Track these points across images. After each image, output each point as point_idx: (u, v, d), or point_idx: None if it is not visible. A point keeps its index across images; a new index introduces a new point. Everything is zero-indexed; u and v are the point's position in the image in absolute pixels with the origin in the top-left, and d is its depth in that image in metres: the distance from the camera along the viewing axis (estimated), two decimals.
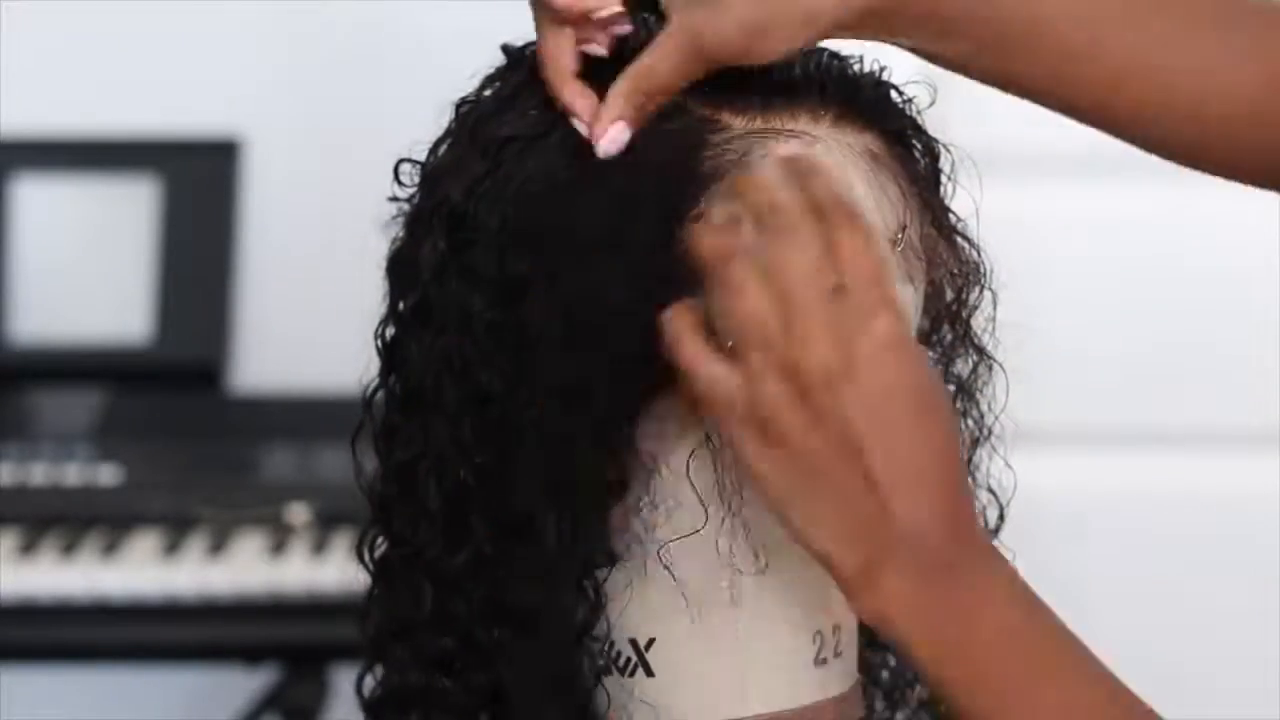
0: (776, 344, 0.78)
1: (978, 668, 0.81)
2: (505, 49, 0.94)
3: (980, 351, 1.00)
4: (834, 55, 0.91)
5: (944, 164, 0.98)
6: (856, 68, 0.92)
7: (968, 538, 0.81)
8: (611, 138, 0.86)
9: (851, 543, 0.80)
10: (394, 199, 0.94)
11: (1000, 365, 1.02)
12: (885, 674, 1.07)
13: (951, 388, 1.00)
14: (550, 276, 0.86)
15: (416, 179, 0.93)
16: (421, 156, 0.93)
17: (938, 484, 0.80)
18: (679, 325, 0.81)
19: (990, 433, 1.01)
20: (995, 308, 0.99)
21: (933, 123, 0.99)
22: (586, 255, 0.86)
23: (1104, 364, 2.12)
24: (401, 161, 0.94)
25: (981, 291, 0.98)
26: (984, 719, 0.80)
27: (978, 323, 0.99)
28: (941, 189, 0.97)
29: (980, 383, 1.00)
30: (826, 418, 0.78)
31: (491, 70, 0.93)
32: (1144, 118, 0.90)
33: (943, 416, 0.82)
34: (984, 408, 1.02)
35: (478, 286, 0.88)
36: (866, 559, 0.80)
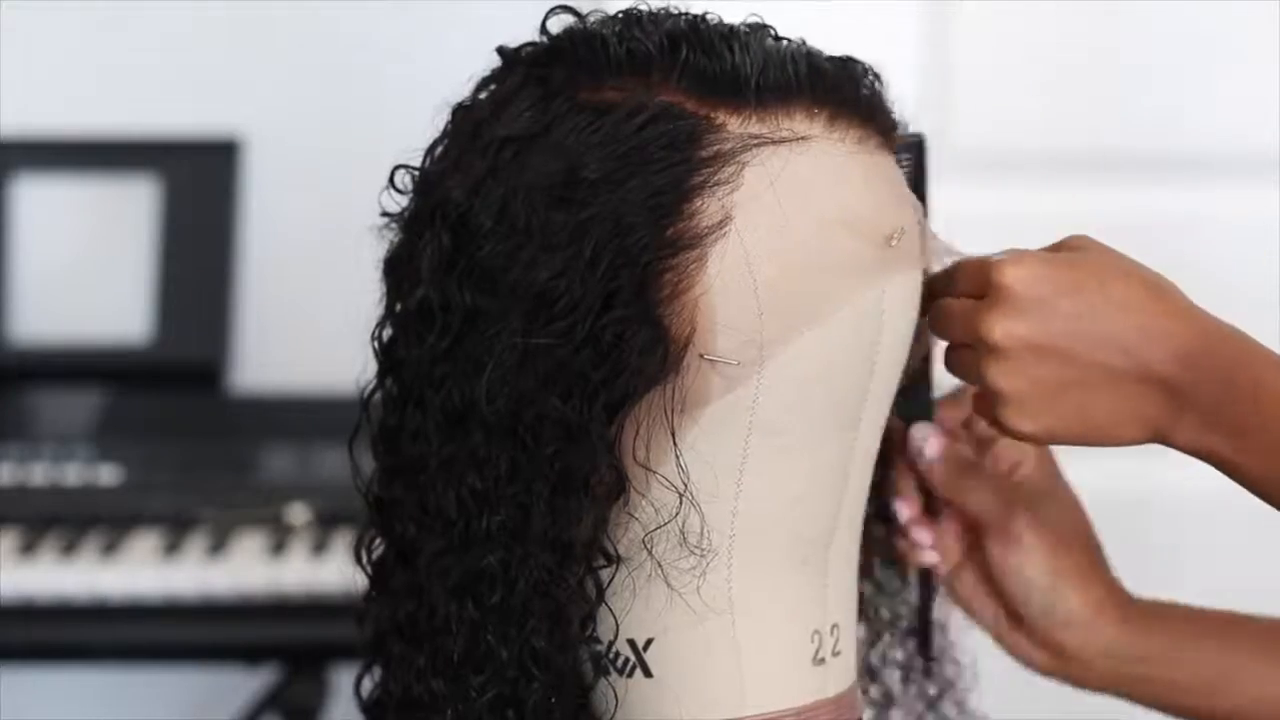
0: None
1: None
2: (501, 51, 0.94)
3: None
4: (830, 54, 0.91)
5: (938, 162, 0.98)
6: (852, 66, 0.92)
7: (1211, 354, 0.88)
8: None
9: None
10: (386, 214, 0.94)
11: None
12: (885, 674, 1.07)
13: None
14: (549, 272, 0.86)
15: (410, 185, 0.93)
16: (416, 163, 0.93)
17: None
18: None
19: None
20: None
21: (937, 124, 0.99)
22: (584, 250, 0.86)
23: None
24: (398, 168, 0.94)
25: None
26: None
27: None
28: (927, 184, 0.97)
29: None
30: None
31: (488, 72, 0.94)
32: None
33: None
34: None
35: (479, 285, 0.88)
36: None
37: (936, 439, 1.02)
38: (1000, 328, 0.89)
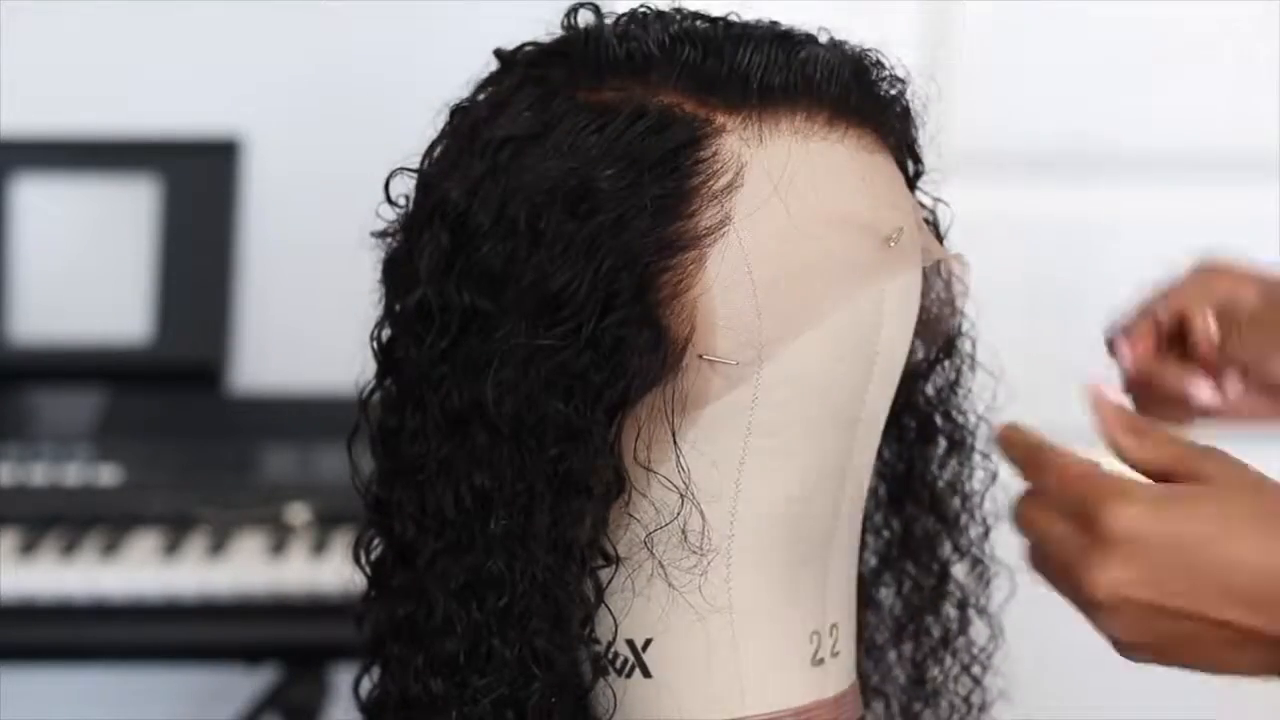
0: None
1: None
2: (498, 53, 0.94)
3: (972, 347, 1.01)
4: (830, 53, 0.91)
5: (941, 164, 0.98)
6: (853, 66, 0.92)
7: None
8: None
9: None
10: (376, 233, 0.94)
11: (998, 363, 1.03)
12: (887, 681, 1.07)
13: (953, 377, 1.01)
14: (548, 273, 0.86)
15: (408, 189, 0.93)
16: (415, 165, 0.93)
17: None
18: None
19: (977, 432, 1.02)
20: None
21: (937, 124, 0.99)
22: (585, 252, 0.86)
23: (1104, 364, 2.12)
24: (396, 171, 0.94)
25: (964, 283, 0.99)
26: None
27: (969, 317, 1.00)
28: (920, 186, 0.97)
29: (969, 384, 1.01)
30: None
31: (486, 74, 0.94)
32: None
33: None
34: (978, 408, 1.02)
35: (478, 285, 0.88)
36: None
37: (1124, 345, 1.09)
38: (1106, 581, 0.80)
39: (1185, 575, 0.79)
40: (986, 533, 1.05)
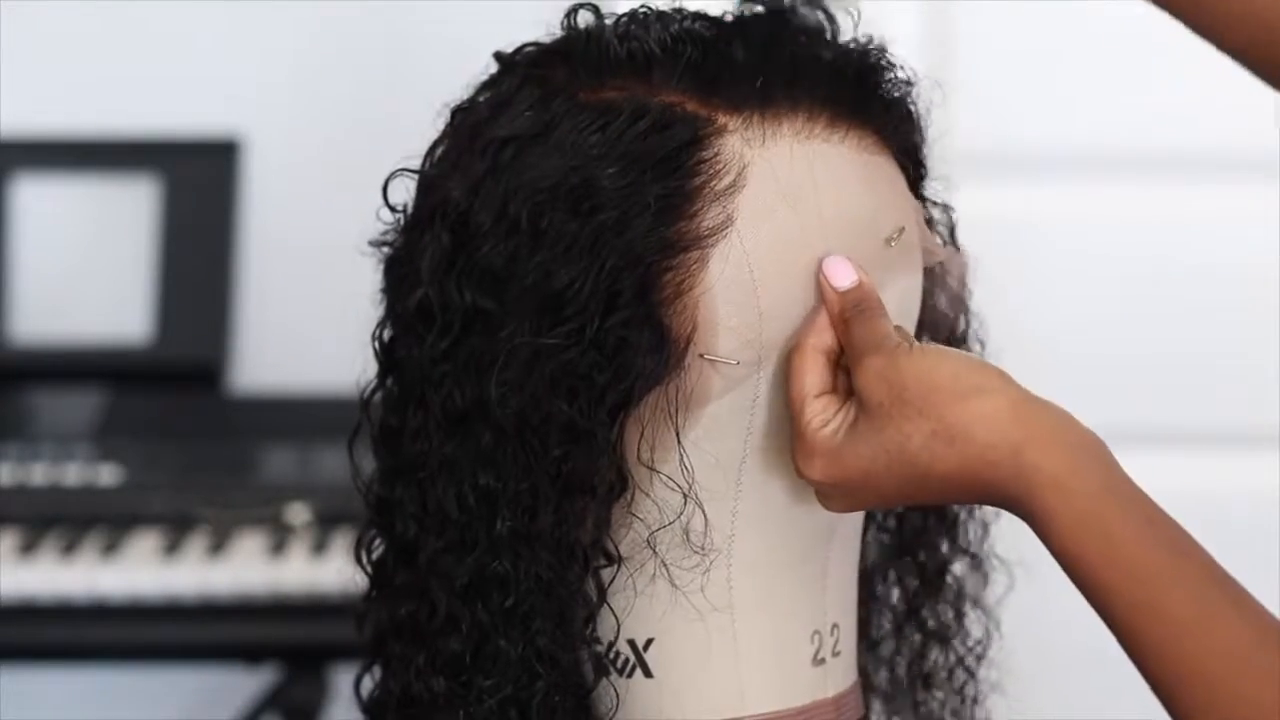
0: None
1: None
2: (499, 55, 0.94)
3: (982, 350, 1.00)
4: (833, 55, 0.91)
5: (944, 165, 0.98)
6: (856, 68, 0.92)
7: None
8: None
9: None
10: (373, 243, 0.94)
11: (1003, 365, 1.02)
12: (884, 676, 1.07)
13: None
14: (550, 272, 0.86)
15: (407, 193, 0.93)
16: (416, 166, 0.93)
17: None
18: None
19: None
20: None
21: (937, 124, 0.99)
22: (587, 251, 0.86)
23: (1104, 364, 2.12)
24: (397, 172, 0.93)
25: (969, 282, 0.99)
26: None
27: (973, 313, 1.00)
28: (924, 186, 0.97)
29: None
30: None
31: (486, 76, 0.94)
32: None
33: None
34: None
35: (479, 285, 0.88)
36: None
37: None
38: (809, 481, 0.88)
39: (861, 497, 0.87)
40: (985, 530, 1.05)
